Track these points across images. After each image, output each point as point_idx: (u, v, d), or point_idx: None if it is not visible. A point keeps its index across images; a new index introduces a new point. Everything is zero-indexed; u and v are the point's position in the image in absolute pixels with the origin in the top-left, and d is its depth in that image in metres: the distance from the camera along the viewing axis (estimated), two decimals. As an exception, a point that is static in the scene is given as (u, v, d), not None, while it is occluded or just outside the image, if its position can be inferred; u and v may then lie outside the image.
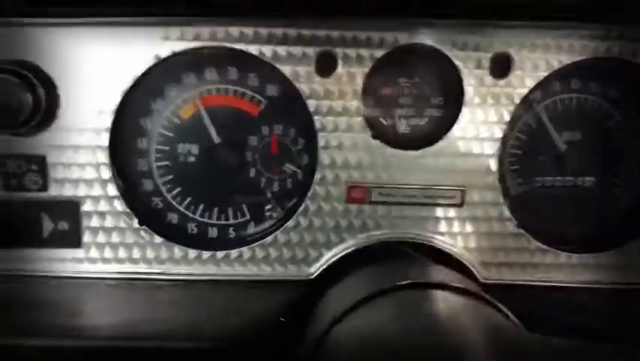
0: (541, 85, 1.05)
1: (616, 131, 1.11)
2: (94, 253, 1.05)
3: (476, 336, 0.72)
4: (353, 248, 1.06)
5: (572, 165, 1.11)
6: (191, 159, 1.08)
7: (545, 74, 1.02)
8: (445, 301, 0.82)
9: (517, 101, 1.02)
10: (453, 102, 1.04)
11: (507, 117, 1.03)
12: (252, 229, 1.11)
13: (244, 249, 1.06)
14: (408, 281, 0.84)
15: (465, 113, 1.02)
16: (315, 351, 0.84)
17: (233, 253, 1.06)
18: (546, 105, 1.10)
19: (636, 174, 1.12)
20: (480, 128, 1.03)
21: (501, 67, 1.01)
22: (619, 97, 1.09)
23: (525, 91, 1.02)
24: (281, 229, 1.05)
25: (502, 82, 1.01)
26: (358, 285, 0.92)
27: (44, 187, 1.01)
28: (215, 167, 1.08)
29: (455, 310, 0.79)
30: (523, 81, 1.01)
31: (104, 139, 1.00)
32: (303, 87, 1.00)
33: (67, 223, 1.03)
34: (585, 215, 1.13)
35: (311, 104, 1.01)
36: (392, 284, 0.85)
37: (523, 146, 1.11)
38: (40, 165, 1.00)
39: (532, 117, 1.10)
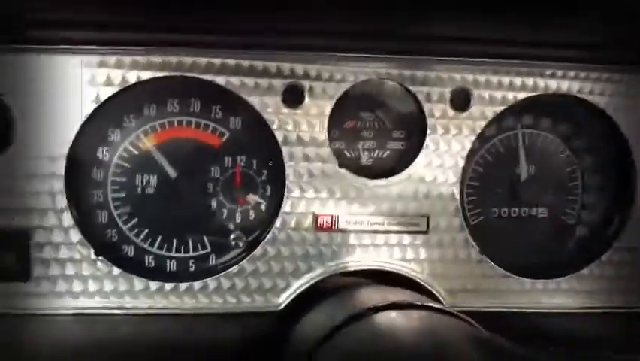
0: (496, 120, 1.10)
1: (567, 164, 1.17)
2: (44, 286, 0.98)
3: (462, 351, 0.72)
4: (321, 277, 1.05)
5: (525, 197, 1.15)
6: (150, 190, 1.04)
7: (502, 107, 1.07)
8: (420, 320, 0.81)
9: (478, 131, 1.06)
10: (415, 134, 1.08)
11: (468, 147, 1.06)
12: (213, 262, 1.08)
13: (208, 280, 1.02)
14: (389, 302, 0.84)
15: (429, 144, 1.05)
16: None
17: (197, 284, 1.02)
18: (500, 139, 1.15)
19: (587, 204, 1.18)
20: (444, 157, 1.06)
21: (461, 100, 1.06)
22: (570, 133, 1.16)
23: (484, 123, 1.06)
24: (247, 258, 1.03)
25: (463, 114, 1.05)
26: (333, 312, 0.91)
27: (-10, 217, 0.94)
28: (174, 199, 1.05)
29: (433, 327, 0.79)
30: (482, 114, 1.06)
31: (61, 167, 0.96)
32: (271, 118, 1.01)
33: (13, 255, 0.96)
34: (541, 243, 1.17)
35: (279, 134, 1.01)
36: (367, 308, 0.84)
37: (480, 178, 1.15)
38: (-13, 193, 0.93)
39: (488, 151, 1.14)
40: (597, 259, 1.13)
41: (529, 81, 1.07)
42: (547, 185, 1.16)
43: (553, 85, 1.08)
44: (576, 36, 0.98)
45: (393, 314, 0.81)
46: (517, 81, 1.07)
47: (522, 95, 1.08)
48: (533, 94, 1.08)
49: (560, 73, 1.07)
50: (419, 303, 0.83)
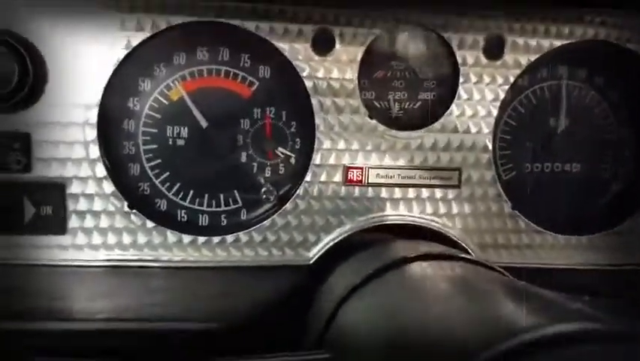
0: (531, 70, 1.08)
1: (603, 117, 1.14)
2: (80, 239, 0.99)
3: (491, 293, 0.70)
4: (352, 231, 1.04)
5: (560, 151, 1.13)
6: (180, 142, 1.04)
7: (536, 56, 1.04)
8: (451, 270, 0.80)
9: (511, 80, 1.03)
10: (447, 83, 1.05)
11: (502, 97, 1.04)
12: (244, 216, 1.08)
13: (241, 233, 1.02)
14: (413, 254, 0.83)
15: (461, 93, 1.03)
16: (324, 331, 0.82)
17: (229, 237, 1.02)
18: (534, 91, 1.12)
19: (623, 159, 1.15)
20: (476, 107, 1.04)
21: (495, 48, 1.03)
22: (606, 84, 1.13)
23: (518, 72, 1.04)
24: (279, 212, 1.02)
25: (497, 62, 1.03)
26: (363, 265, 0.90)
27: (27, 167, 0.95)
28: (205, 151, 1.05)
29: (464, 276, 0.78)
30: (516, 62, 1.03)
31: (93, 115, 0.96)
32: (301, 65, 0.99)
33: (50, 208, 0.98)
34: (575, 199, 1.15)
35: (308, 83, 1.00)
36: (396, 258, 0.84)
37: (512, 131, 1.13)
38: (24, 143, 0.94)
39: (521, 102, 1.12)
40: (632, 215, 1.10)
41: (565, 28, 1.04)
42: (583, 139, 1.13)
43: (590, 32, 1.05)
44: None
45: (423, 265, 0.80)
46: (553, 28, 1.04)
47: (558, 43, 1.04)
48: (569, 41, 1.05)
49: (597, 19, 1.04)
50: (450, 253, 0.82)
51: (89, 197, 0.98)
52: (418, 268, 0.81)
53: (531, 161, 1.14)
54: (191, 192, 1.06)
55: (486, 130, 1.04)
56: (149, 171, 1.05)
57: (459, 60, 1.02)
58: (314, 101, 1.00)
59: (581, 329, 0.51)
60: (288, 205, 1.02)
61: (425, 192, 1.05)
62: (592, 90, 1.13)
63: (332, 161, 1.02)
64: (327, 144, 1.02)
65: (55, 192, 0.97)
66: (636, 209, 1.11)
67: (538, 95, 1.12)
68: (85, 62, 0.95)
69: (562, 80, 1.12)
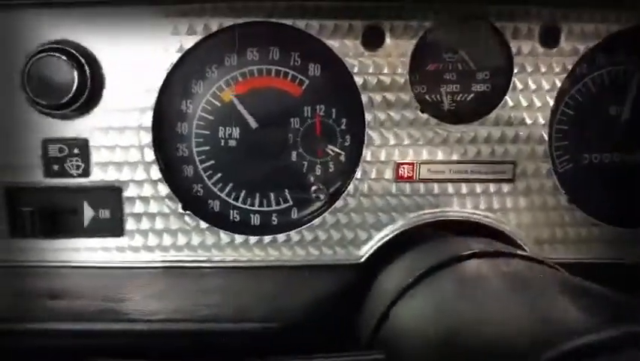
0: (589, 57, 1.04)
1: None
2: (137, 241, 1.01)
3: (548, 291, 0.68)
4: (403, 229, 1.03)
5: (624, 140, 1.08)
6: (232, 143, 1.05)
7: (595, 42, 1.00)
8: (505, 267, 0.78)
9: (569, 68, 1.00)
10: (501, 74, 1.02)
11: (559, 85, 1.00)
12: (295, 215, 1.08)
13: (292, 232, 1.02)
14: (466, 252, 0.81)
15: (516, 83, 1.00)
16: (376, 331, 0.81)
17: (280, 237, 1.03)
18: (592, 78, 1.08)
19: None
20: (532, 98, 1.01)
21: (550, 36, 1.00)
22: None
23: (576, 59, 1.00)
24: (329, 210, 1.02)
25: (553, 51, 0.99)
26: (414, 263, 0.89)
27: (86, 172, 0.98)
28: (256, 151, 1.05)
29: (518, 273, 0.76)
30: (574, 50, 1.00)
31: (148, 119, 0.98)
32: (351, 61, 0.98)
33: (108, 211, 1.00)
34: (635, 190, 1.10)
35: (358, 79, 0.99)
36: (449, 257, 0.82)
37: (570, 120, 1.09)
38: (83, 148, 0.97)
39: (579, 91, 1.08)
40: None
41: (625, 13, 1.00)
42: (644, 127, 1.09)
43: None
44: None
45: (476, 263, 0.78)
46: (612, 14, 0.99)
47: (616, 28, 1.00)
48: (629, 26, 1.00)
49: None
50: (503, 250, 0.80)
51: (145, 199, 1.00)
52: (470, 266, 0.80)
53: (590, 151, 1.10)
54: (243, 192, 1.07)
55: (542, 121, 1.01)
56: (202, 173, 1.06)
57: (513, 50, 0.99)
58: (364, 98, 0.99)
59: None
60: (339, 203, 1.02)
61: (478, 187, 1.03)
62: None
63: (382, 157, 1.01)
64: (377, 141, 1.01)
65: (113, 195, 1.00)
66: None
67: (598, 83, 1.08)
68: (139, 67, 0.96)
69: (623, 66, 1.07)
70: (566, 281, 0.75)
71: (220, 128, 1.05)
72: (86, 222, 1.00)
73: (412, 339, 0.73)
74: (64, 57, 0.88)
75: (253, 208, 1.08)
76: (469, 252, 0.82)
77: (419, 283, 0.81)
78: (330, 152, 1.06)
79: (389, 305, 0.81)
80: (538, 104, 1.01)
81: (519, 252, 0.82)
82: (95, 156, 0.98)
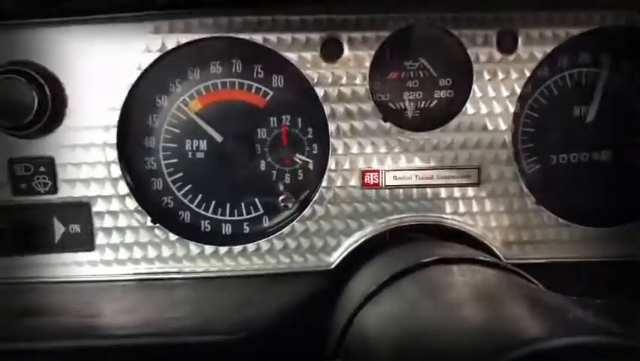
0: (550, 60, 1.05)
1: (630, 103, 1.09)
2: (108, 254, 1.03)
3: (513, 304, 0.69)
4: (372, 234, 1.04)
5: (589, 140, 1.09)
6: (200, 155, 1.06)
7: (553, 46, 1.01)
8: (470, 274, 0.80)
9: (527, 74, 1.01)
10: (462, 81, 1.03)
11: (518, 91, 1.01)
12: (266, 223, 1.09)
13: (261, 242, 1.04)
14: (429, 259, 0.82)
15: (476, 90, 1.01)
16: (340, 339, 0.82)
17: (251, 246, 1.04)
18: (555, 81, 1.08)
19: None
20: (492, 104, 1.02)
21: (508, 42, 1.00)
22: (631, 68, 1.08)
23: (534, 65, 1.01)
24: (297, 218, 1.03)
25: (510, 57, 1.00)
26: (380, 270, 0.90)
27: (54, 189, 0.99)
28: (224, 162, 1.06)
29: (481, 281, 0.77)
30: (531, 55, 1.01)
31: (112, 136, 0.99)
32: (311, 74, 1.00)
33: (79, 226, 1.02)
34: (604, 189, 1.11)
35: (319, 91, 1.00)
36: (414, 263, 0.83)
37: (535, 123, 1.10)
38: (49, 166, 0.99)
39: (542, 94, 1.09)
40: None
41: (583, 14, 1.00)
42: (611, 126, 1.09)
43: (609, 17, 1.00)
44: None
45: (437, 270, 0.79)
46: (570, 15, 1.00)
47: (575, 31, 1.01)
48: (588, 28, 1.01)
49: (616, 3, 1.00)
50: (465, 257, 0.81)
51: (114, 214, 1.02)
52: (431, 273, 0.80)
53: (557, 152, 1.11)
54: (214, 202, 1.09)
55: (504, 127, 1.02)
56: (171, 185, 1.08)
57: (471, 57, 1.00)
58: (326, 108, 1.01)
59: (593, 342, 0.50)
60: (307, 211, 1.03)
61: (444, 192, 1.04)
62: (618, 75, 1.09)
63: (347, 165, 1.03)
64: (341, 149, 1.02)
65: (82, 211, 1.01)
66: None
67: (560, 85, 1.09)
68: (102, 85, 0.98)
69: (585, 68, 1.08)
70: (523, 289, 0.76)
71: (187, 140, 1.06)
72: (57, 238, 1.02)
73: (373, 347, 0.75)
74: (23, 79, 0.89)
75: (224, 218, 1.09)
76: (431, 259, 0.83)
77: (382, 290, 0.82)
78: (298, 160, 1.07)
79: (353, 313, 0.82)
80: (498, 110, 1.02)
81: (480, 257, 0.83)
82: (62, 174, 0.99)
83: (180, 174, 1.07)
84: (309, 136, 1.07)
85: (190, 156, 1.06)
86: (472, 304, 0.70)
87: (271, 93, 1.05)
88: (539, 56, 1.01)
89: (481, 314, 0.66)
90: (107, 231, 1.02)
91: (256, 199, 1.09)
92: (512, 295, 0.72)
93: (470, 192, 1.04)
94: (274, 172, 1.08)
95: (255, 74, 1.05)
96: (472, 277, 0.78)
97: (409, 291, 0.80)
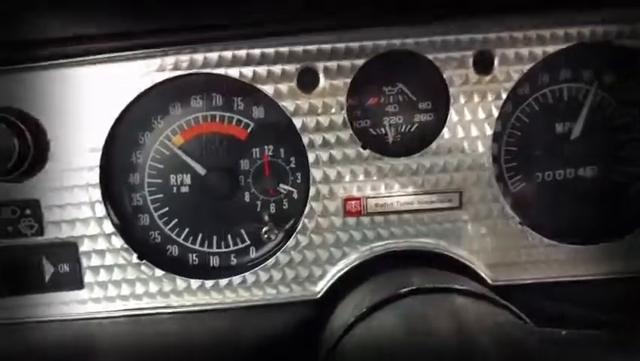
0: (530, 78, 1.04)
1: (613, 118, 1.09)
2: (97, 292, 1.04)
3: (480, 335, 0.70)
4: (357, 262, 1.04)
5: (573, 156, 1.08)
6: (184, 189, 1.08)
7: (530, 65, 1.00)
8: (448, 304, 0.80)
9: (504, 95, 1.00)
10: (440, 104, 1.03)
11: (496, 113, 1.01)
12: (253, 254, 1.10)
13: (247, 274, 1.04)
14: (408, 288, 0.83)
15: (453, 113, 1.01)
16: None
17: (236, 279, 1.04)
18: (536, 98, 1.08)
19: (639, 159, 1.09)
20: (470, 127, 1.01)
21: (484, 64, 1.00)
22: (612, 82, 1.08)
23: (511, 85, 1.00)
24: (282, 249, 1.04)
25: (486, 78, 1.00)
26: (363, 299, 0.91)
27: (41, 231, 1.01)
28: (209, 195, 1.07)
29: (458, 311, 0.77)
30: (508, 75, 1.00)
31: (95, 176, 1.01)
32: (287, 105, 1.00)
33: (67, 265, 1.03)
34: (590, 206, 1.10)
35: (297, 121, 1.01)
36: (394, 293, 0.84)
37: (518, 142, 1.09)
38: (35, 209, 1.00)
39: (524, 112, 1.08)
40: None
41: (560, 32, 1.00)
42: (596, 142, 1.08)
43: (586, 33, 1.00)
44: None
45: (411, 301, 0.80)
46: (546, 33, 1.00)
47: (552, 49, 1.01)
48: (565, 46, 1.01)
49: (593, 18, 0.99)
50: (440, 286, 0.81)
51: (100, 253, 1.03)
52: (407, 304, 0.81)
53: (541, 170, 1.10)
54: (200, 235, 1.10)
55: (482, 149, 1.02)
56: (158, 220, 1.09)
57: (447, 81, 1.00)
58: (304, 139, 1.01)
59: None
60: (290, 242, 1.04)
61: (427, 217, 1.04)
62: (599, 91, 1.08)
63: (329, 194, 1.03)
64: (322, 179, 1.02)
65: (70, 250, 1.03)
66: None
67: (542, 102, 1.08)
68: (83, 127, 1.00)
69: (566, 84, 1.08)
70: (494, 321, 0.76)
71: (172, 175, 1.07)
72: (47, 278, 1.03)
73: None
74: (3, 124, 0.91)
75: (211, 250, 1.10)
76: (407, 290, 0.84)
77: (362, 320, 0.83)
78: (282, 190, 1.08)
79: (335, 342, 0.83)
80: (476, 132, 1.01)
81: (457, 286, 0.83)
82: (48, 215, 1.01)
83: (166, 209, 1.08)
84: (292, 165, 1.08)
85: (175, 190, 1.08)
86: (443, 334, 0.71)
87: (252, 125, 1.06)
88: (516, 75, 1.00)
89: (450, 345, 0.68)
90: (95, 269, 1.03)
91: (242, 230, 1.09)
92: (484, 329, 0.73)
93: (453, 215, 1.03)
94: (259, 203, 1.09)
95: (235, 107, 1.06)
96: (445, 307, 0.79)
97: (387, 321, 0.80)
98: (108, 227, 1.02)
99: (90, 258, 1.03)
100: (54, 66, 0.98)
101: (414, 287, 0.83)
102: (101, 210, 1.02)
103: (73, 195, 1.01)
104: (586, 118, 1.07)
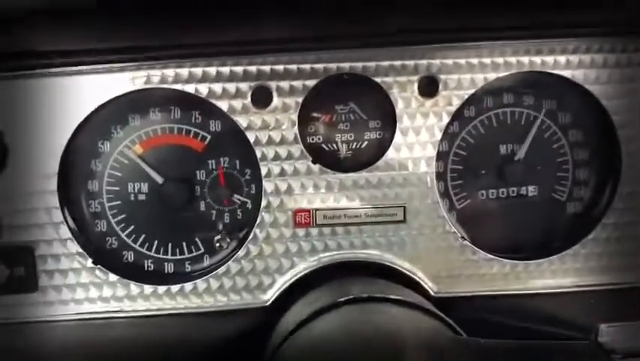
0: (475, 101, 1.10)
1: (554, 140, 1.15)
2: (51, 295, 1.07)
3: (409, 344, 0.74)
4: (305, 272, 1.08)
5: (515, 176, 1.14)
6: (142, 197, 1.11)
7: (471, 91, 1.06)
8: (382, 314, 0.84)
9: (446, 118, 1.06)
10: (388, 123, 1.09)
11: (439, 134, 1.07)
12: (207, 262, 1.14)
13: (198, 281, 1.08)
14: (345, 298, 0.87)
15: (398, 134, 1.06)
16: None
17: (188, 285, 1.08)
18: (481, 120, 1.14)
19: (577, 180, 1.16)
20: (414, 146, 1.07)
21: (428, 88, 1.06)
22: (554, 108, 1.14)
23: (453, 108, 1.06)
24: (233, 258, 1.08)
25: (429, 102, 1.06)
26: (305, 308, 0.95)
27: (-2, 234, 1.04)
28: (165, 204, 1.11)
29: (389, 320, 0.82)
30: (450, 100, 1.06)
31: (53, 183, 1.04)
32: (241, 120, 1.05)
33: (23, 268, 1.06)
34: (531, 223, 1.16)
35: (250, 135, 1.06)
36: (332, 302, 0.88)
37: (464, 161, 1.15)
38: (-8, 213, 1.03)
39: (469, 133, 1.14)
40: (586, 237, 1.11)
41: (500, 60, 1.06)
42: (537, 162, 1.14)
43: (525, 61, 1.06)
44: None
45: (349, 309, 0.84)
46: (488, 61, 1.06)
47: (493, 76, 1.07)
48: (505, 73, 1.07)
49: (532, 49, 1.06)
50: (377, 296, 0.86)
51: (56, 257, 1.06)
52: (344, 312, 0.85)
53: (485, 188, 1.15)
54: (156, 242, 1.13)
55: (424, 167, 1.07)
56: (115, 226, 1.12)
57: (393, 103, 1.06)
58: (257, 152, 1.06)
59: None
60: (241, 251, 1.08)
61: (373, 230, 1.08)
62: (541, 115, 1.14)
63: (280, 206, 1.07)
64: (273, 191, 1.07)
65: (26, 254, 1.05)
66: (590, 230, 1.12)
67: (486, 124, 1.14)
68: (42, 135, 1.03)
69: (509, 107, 1.14)
70: (429, 332, 0.81)
71: (130, 183, 1.11)
72: (2, 280, 1.06)
73: None
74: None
75: (166, 257, 1.14)
76: (344, 299, 0.88)
77: (301, 327, 0.87)
78: (237, 201, 1.12)
79: (275, 348, 0.87)
80: (420, 151, 1.07)
81: (392, 296, 0.88)
82: (5, 220, 1.04)
83: (123, 216, 1.12)
84: (247, 177, 1.12)
85: (133, 198, 1.11)
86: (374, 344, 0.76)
87: (209, 137, 1.11)
88: (458, 100, 1.06)
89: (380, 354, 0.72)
90: (50, 273, 1.06)
91: (197, 239, 1.13)
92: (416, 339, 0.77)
93: (397, 229, 1.08)
94: (214, 212, 1.13)
95: (193, 120, 1.11)
96: (379, 317, 0.83)
97: (326, 330, 0.84)
98: (65, 232, 1.06)
99: (46, 262, 1.06)
100: (16, 77, 1.01)
101: (351, 297, 0.88)
102: (57, 215, 1.05)
103: (31, 201, 1.04)
104: (524, 140, 1.13)
